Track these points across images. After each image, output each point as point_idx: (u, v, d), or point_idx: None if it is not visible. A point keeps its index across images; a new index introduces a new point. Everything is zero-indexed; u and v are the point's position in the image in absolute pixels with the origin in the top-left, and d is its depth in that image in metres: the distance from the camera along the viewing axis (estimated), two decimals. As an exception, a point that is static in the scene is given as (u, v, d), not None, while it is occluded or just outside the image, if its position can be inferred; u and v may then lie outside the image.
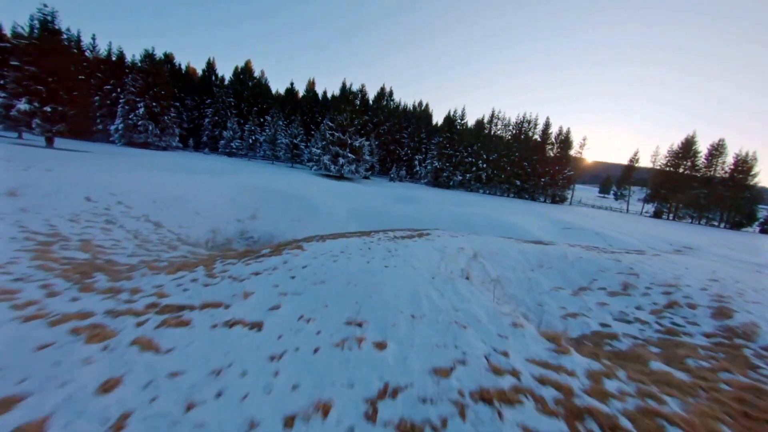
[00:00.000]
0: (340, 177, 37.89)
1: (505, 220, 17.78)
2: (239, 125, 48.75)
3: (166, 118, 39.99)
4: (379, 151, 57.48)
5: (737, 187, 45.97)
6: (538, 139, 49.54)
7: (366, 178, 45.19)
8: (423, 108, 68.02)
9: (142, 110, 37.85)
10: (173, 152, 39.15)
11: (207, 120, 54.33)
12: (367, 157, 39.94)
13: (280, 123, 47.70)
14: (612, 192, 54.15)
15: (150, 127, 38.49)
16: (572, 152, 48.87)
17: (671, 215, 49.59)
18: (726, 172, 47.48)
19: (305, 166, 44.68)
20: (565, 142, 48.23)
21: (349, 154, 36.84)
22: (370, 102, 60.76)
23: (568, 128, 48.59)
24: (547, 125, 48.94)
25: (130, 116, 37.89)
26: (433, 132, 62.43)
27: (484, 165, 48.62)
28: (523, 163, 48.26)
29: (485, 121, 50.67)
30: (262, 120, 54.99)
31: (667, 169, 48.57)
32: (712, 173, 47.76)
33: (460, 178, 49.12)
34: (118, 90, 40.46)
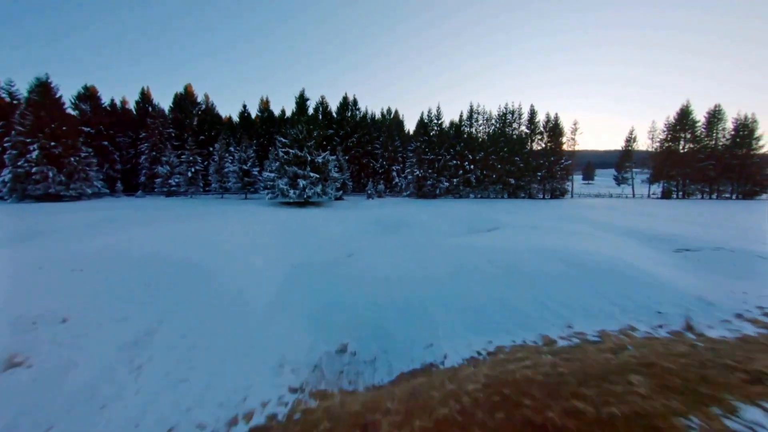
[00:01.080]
0: (304, 203, 30.38)
1: (580, 250, 10.81)
2: (178, 158, 40.53)
3: (73, 159, 31.40)
4: (351, 166, 50.61)
5: (745, 154, 41.97)
6: (526, 131, 44.20)
7: (339, 198, 37.89)
8: (393, 115, 62.23)
9: (36, 153, 29.24)
10: (85, 202, 30.47)
11: (144, 157, 45.81)
12: (336, 174, 32.76)
13: (232, 149, 40.00)
14: (613, 177, 49.32)
15: (51, 174, 29.79)
16: (564, 139, 43.74)
17: (680, 193, 44.98)
18: (727, 140, 43.58)
19: (261, 195, 36.90)
20: (554, 129, 43.07)
21: (312, 174, 29.51)
22: (334, 114, 54.24)
23: (556, 114, 43.65)
24: (532, 114, 43.78)
25: (19, 163, 29.15)
26: (407, 139, 56.45)
27: (471, 166, 42.52)
28: (514, 159, 42.53)
29: (464, 117, 45.04)
30: (210, 149, 47.05)
31: (668, 144, 44.22)
32: (714, 144, 43.78)
33: (447, 184, 42.70)
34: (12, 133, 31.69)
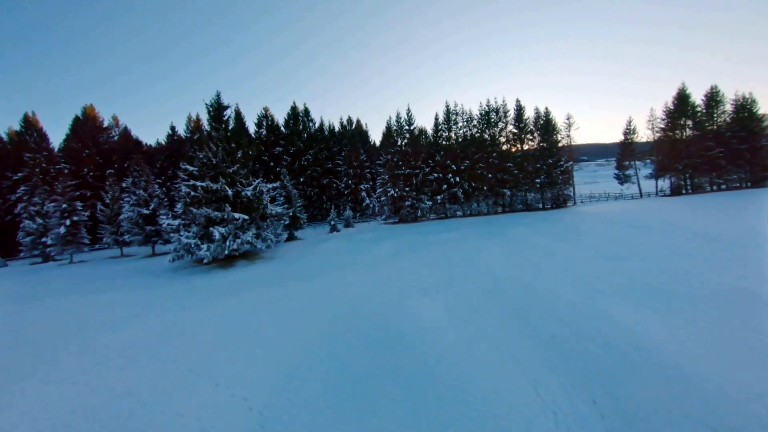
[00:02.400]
0: (227, 260, 20.31)
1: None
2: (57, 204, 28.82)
3: None
4: (308, 189, 40.89)
5: (751, 137, 37.21)
6: (514, 130, 36.97)
7: (292, 238, 28.06)
8: (355, 125, 53.59)
9: None
10: None
11: (21, 206, 33.37)
12: (277, 210, 22.96)
13: (129, 185, 28.86)
14: (614, 175, 43.35)
15: None
16: (559, 137, 36.95)
17: (689, 187, 39.52)
18: (729, 123, 38.85)
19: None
20: (547, 127, 36.19)
21: (236, 215, 19.56)
22: (282, 129, 44.55)
23: (547, 109, 36.90)
24: (519, 110, 36.69)
25: None
26: (375, 152, 47.85)
27: (457, 179, 34.36)
28: (506, 165, 34.94)
29: (441, 121, 37.07)
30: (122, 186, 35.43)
31: (670, 134, 38.77)
32: (715, 129, 38.90)
33: (430, 203, 34.14)
34: None
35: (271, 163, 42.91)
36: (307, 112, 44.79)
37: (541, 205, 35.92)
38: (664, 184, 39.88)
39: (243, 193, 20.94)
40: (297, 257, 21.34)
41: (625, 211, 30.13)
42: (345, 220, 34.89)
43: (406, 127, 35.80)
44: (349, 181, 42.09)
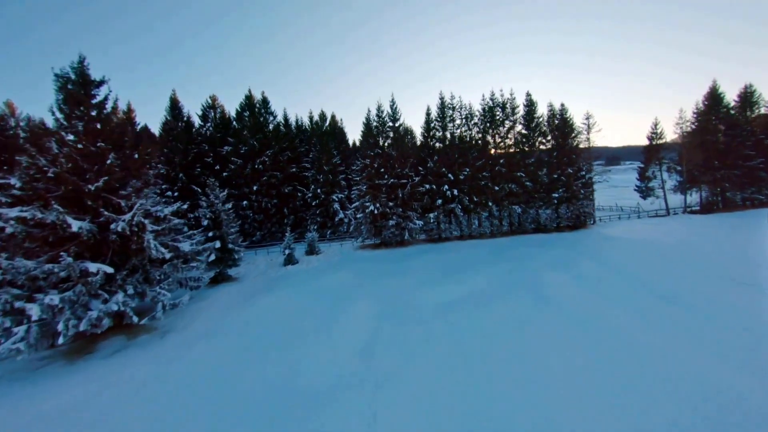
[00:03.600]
0: (89, 341, 11.55)
1: None
2: None
3: None
4: (263, 200, 32.12)
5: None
6: (523, 131, 29.68)
7: (221, 280, 19.41)
8: (329, 121, 45.00)
9: None
10: None
11: None
12: (185, 248, 14.23)
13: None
14: (635, 187, 37.08)
15: None
16: (578, 140, 30.03)
17: (720, 203, 33.71)
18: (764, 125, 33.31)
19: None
20: (564, 128, 29.16)
21: (92, 266, 10.81)
22: (235, 124, 35.36)
23: (563, 106, 29.87)
24: (531, 106, 29.41)
25: None
26: (353, 153, 39.63)
27: (455, 191, 26.63)
28: (515, 175, 27.54)
29: (434, 117, 29.18)
30: None
31: (702, 138, 32.69)
32: (752, 133, 33.26)
33: (420, 223, 26.23)
34: None
35: (217, 166, 33.69)
36: (265, 102, 35.75)
37: (555, 225, 28.77)
38: (693, 198, 33.92)
39: (115, 227, 12.08)
40: (210, 330, 12.82)
41: (665, 236, 23.50)
42: (308, 245, 26.35)
43: (390, 124, 27.66)
44: (318, 190, 33.52)
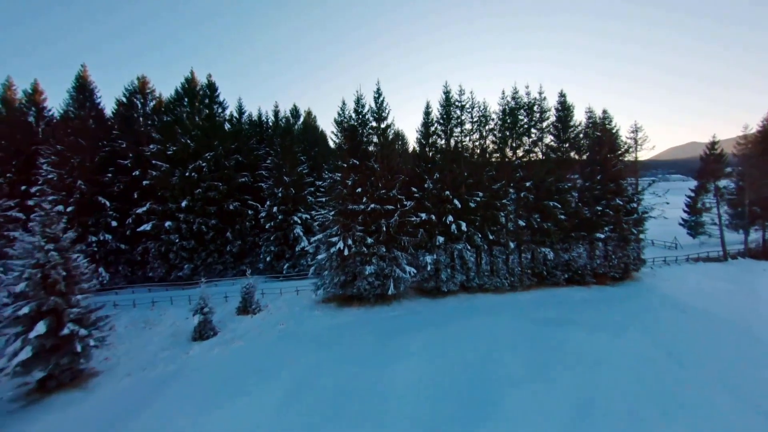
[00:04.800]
0: None
1: None
2: None
3: None
4: (196, 221, 23.33)
5: None
6: (553, 143, 21.91)
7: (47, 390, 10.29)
8: (303, 119, 36.58)
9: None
10: None
11: None
12: None
13: None
14: (682, 221, 29.91)
15: None
16: (626, 159, 22.56)
17: (786, 246, 26.74)
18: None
19: None
20: (608, 142, 21.62)
21: None
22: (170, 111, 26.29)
23: (605, 112, 22.44)
24: (565, 110, 21.69)
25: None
26: (331, 157, 31.48)
27: (463, 225, 18.39)
28: (546, 204, 19.57)
29: (434, 118, 21.02)
30: None
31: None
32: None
33: (412, 272, 17.85)
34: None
35: (136, 171, 24.59)
36: (212, 88, 26.87)
37: (592, 273, 20.86)
38: (753, 236, 26.83)
39: None
40: None
41: (754, 302, 16.17)
42: (242, 298, 17.53)
43: (374, 124, 19.29)
44: (275, 208, 24.79)
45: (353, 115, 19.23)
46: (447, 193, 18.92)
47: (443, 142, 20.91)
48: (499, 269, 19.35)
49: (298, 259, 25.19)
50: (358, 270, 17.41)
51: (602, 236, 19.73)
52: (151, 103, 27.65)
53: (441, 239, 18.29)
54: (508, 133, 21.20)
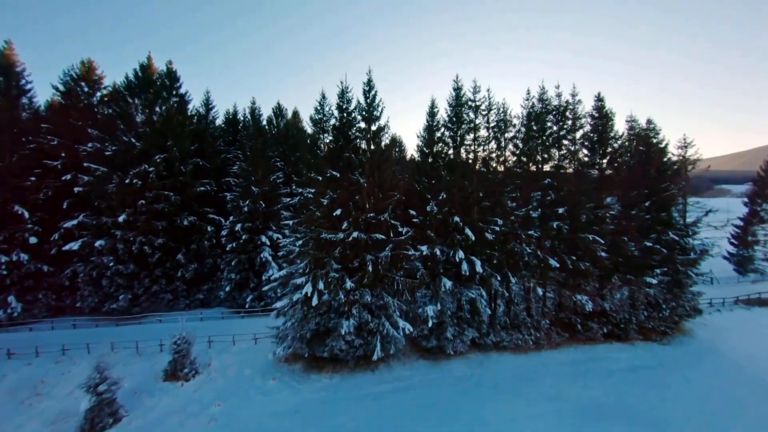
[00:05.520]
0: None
1: None
2: None
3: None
4: (138, 240, 18.36)
5: None
6: (585, 158, 17.44)
7: None
8: (289, 120, 31.98)
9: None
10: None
11: None
12: None
13: None
14: (727, 254, 25.59)
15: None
16: (677, 179, 18.14)
17: None
18: None
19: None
20: (658, 159, 17.23)
21: None
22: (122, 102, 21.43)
23: (650, 121, 18.10)
24: (604, 118, 17.28)
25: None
26: (305, 165, 26.40)
27: (477, 264, 13.74)
28: (581, 237, 15.02)
29: (442, 121, 16.55)
30: None
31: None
32: None
33: (407, 328, 13.13)
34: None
35: (67, 176, 19.71)
36: (171, 76, 22.17)
37: (635, 323, 16.28)
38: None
39: None
40: None
41: None
42: (171, 357, 12.67)
43: (362, 125, 14.66)
44: (238, 226, 20.02)
45: (335, 113, 14.62)
46: (456, 219, 14.29)
47: (451, 151, 16.34)
48: (521, 322, 14.68)
49: (265, 293, 20.32)
50: (332, 324, 12.67)
51: (654, 281, 15.18)
52: (99, 93, 22.91)
53: (448, 285, 13.59)
54: (533, 144, 16.70)
